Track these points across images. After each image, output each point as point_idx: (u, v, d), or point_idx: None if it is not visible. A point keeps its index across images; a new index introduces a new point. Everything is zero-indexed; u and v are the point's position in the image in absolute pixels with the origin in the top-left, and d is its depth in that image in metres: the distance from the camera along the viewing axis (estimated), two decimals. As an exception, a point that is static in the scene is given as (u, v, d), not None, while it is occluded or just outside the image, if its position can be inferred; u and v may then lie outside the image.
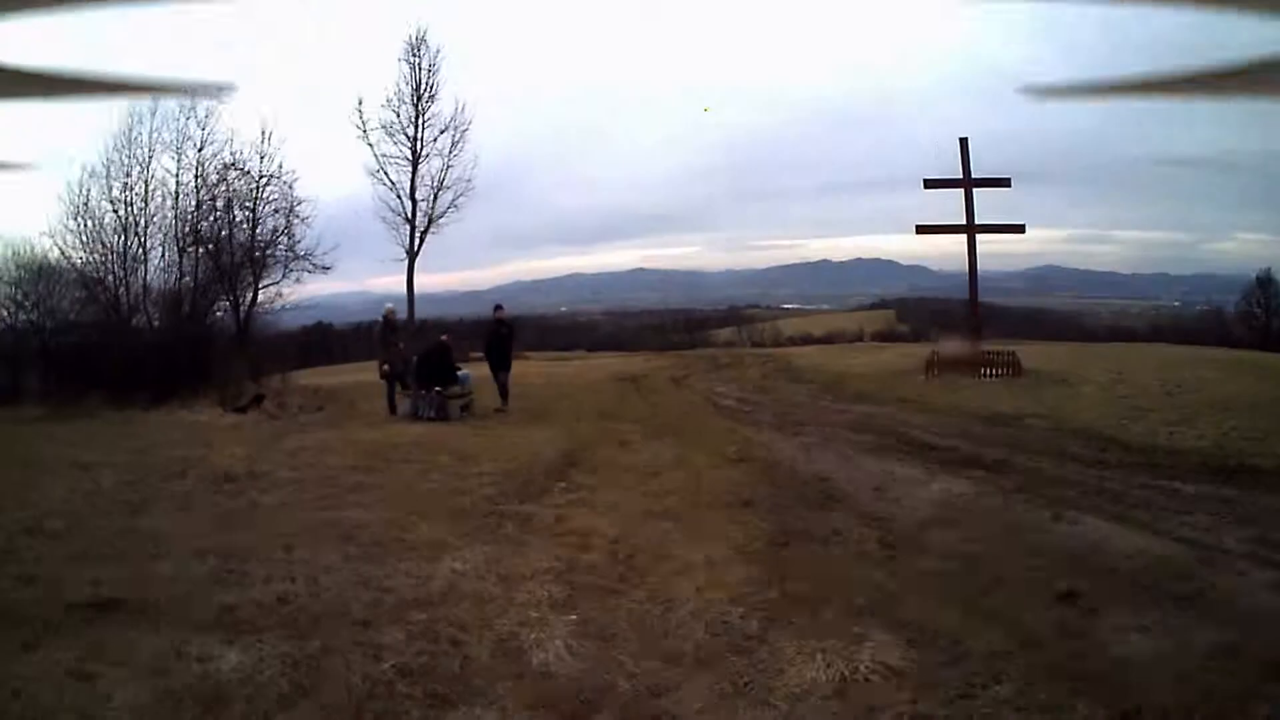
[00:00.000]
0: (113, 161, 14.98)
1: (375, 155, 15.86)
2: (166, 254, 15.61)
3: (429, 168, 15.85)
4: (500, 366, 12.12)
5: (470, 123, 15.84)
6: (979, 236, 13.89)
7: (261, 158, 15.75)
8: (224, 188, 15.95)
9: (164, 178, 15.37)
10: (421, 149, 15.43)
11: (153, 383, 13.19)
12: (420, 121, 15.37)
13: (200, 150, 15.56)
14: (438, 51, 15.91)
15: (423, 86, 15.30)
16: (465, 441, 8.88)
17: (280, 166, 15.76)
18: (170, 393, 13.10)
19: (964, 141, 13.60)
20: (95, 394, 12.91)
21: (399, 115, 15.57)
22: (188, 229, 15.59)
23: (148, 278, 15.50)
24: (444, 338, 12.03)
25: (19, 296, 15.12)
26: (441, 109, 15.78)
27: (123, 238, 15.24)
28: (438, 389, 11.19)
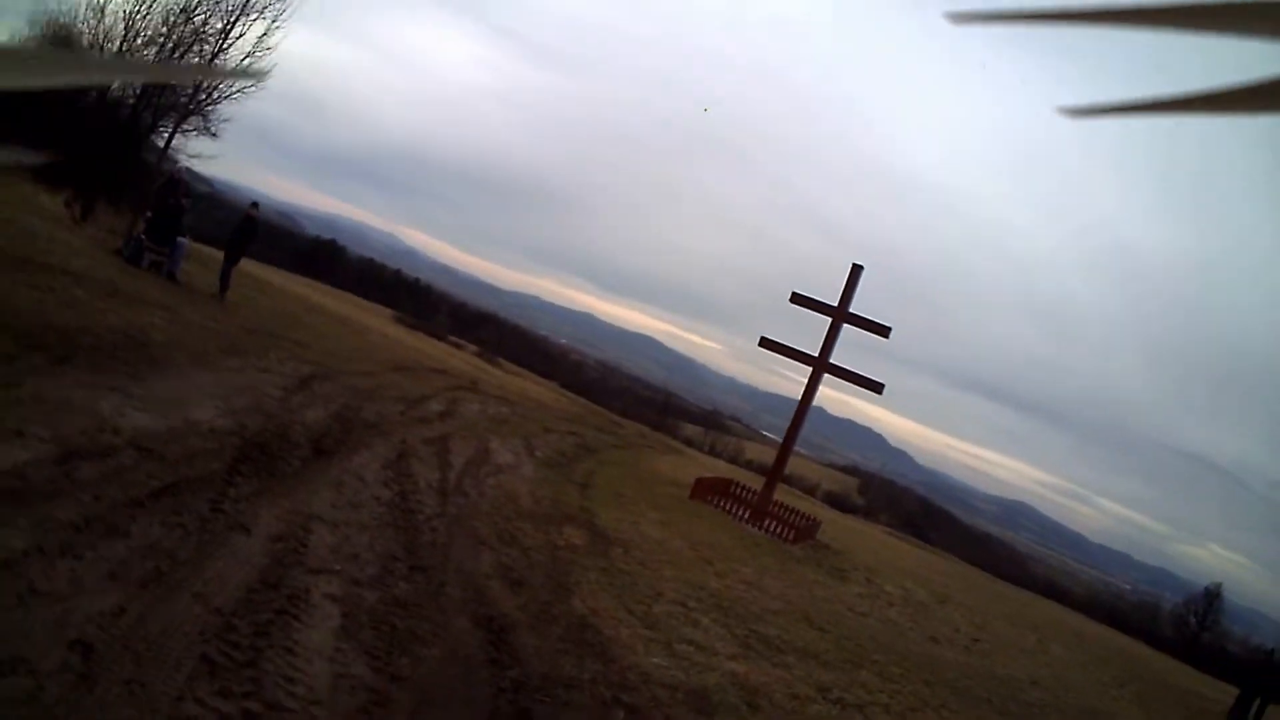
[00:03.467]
0: None
1: (199, 24, 15.36)
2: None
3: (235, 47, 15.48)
4: (229, 257, 11.66)
5: (284, 17, 15.44)
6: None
7: (206, 13, 15.47)
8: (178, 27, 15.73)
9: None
10: (233, 29, 15.24)
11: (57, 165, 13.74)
12: (245, 5, 15.41)
13: None
14: None
15: None
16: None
17: (205, 31, 15.48)
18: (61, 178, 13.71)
19: (857, 269, 11.74)
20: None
21: None
22: (138, 51, 15.60)
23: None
24: (185, 201, 11.41)
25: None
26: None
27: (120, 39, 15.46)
28: (143, 235, 10.89)
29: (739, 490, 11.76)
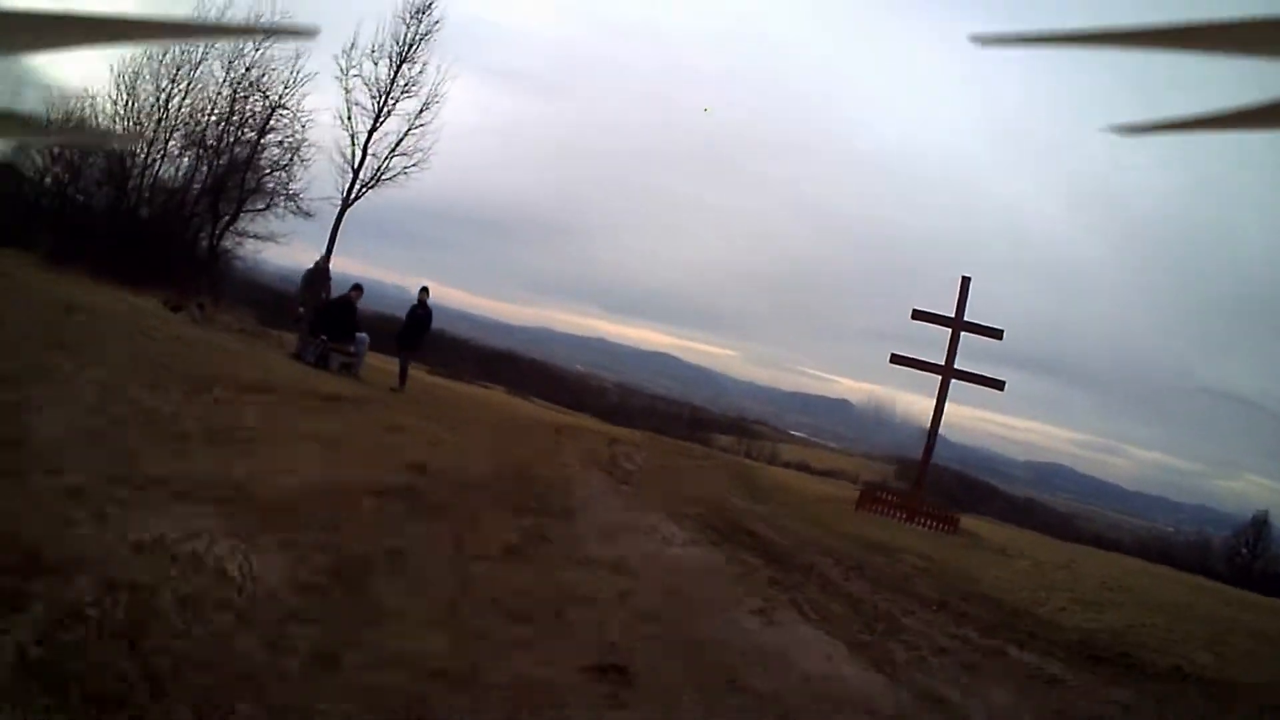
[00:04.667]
0: (167, 49, 14.55)
1: (345, 97, 15.14)
2: (185, 153, 15.63)
3: (390, 127, 15.36)
4: (406, 346, 11.97)
5: (441, 97, 15.41)
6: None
7: (285, 86, 15.52)
8: (243, 104, 15.70)
9: (208, 80, 15.35)
10: (387, 106, 14.95)
11: (118, 262, 13.22)
12: (394, 80, 14.94)
13: (247, 70, 15.44)
14: (436, 22, 15.50)
15: (408, 50, 14.92)
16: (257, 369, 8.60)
17: (298, 103, 15.48)
18: (133, 277, 13.14)
19: (965, 281, 12.96)
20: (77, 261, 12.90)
21: (376, 66, 15.04)
22: (201, 133, 15.45)
23: (160, 170, 15.59)
24: (353, 293, 11.68)
25: (53, 150, 14.83)
26: (418, 74, 15.33)
27: (155, 125, 15.07)
28: (324, 338, 11.01)
29: (888, 495, 12.95)
